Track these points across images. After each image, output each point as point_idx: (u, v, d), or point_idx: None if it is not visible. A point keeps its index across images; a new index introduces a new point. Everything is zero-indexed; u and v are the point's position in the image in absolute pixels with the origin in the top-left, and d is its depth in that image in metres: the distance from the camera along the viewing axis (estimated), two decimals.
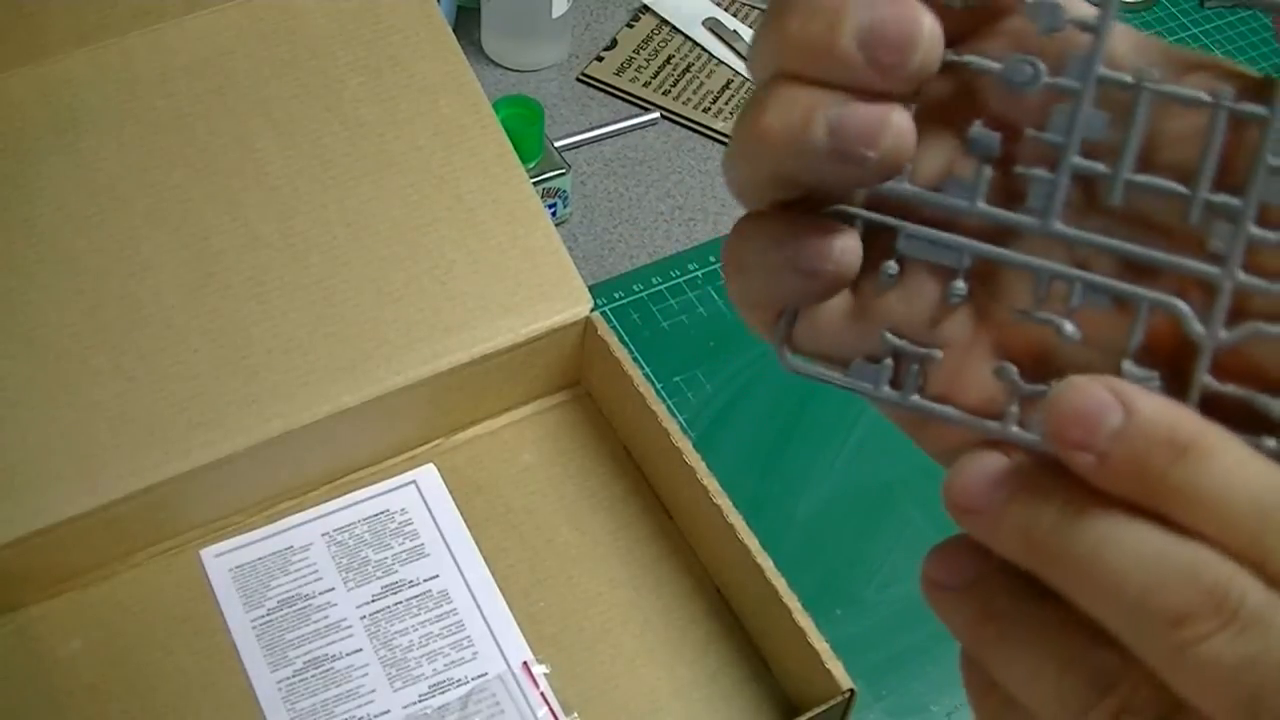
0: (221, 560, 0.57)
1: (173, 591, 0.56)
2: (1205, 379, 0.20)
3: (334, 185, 0.59)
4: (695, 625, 0.56)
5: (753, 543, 0.53)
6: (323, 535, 0.58)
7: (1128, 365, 0.20)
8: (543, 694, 0.54)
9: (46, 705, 0.52)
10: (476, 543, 0.58)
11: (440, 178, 0.60)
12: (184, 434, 0.54)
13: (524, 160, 0.63)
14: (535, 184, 0.68)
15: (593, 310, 0.60)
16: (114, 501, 0.53)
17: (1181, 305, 0.20)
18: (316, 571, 0.57)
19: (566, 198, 0.73)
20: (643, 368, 0.67)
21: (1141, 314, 0.20)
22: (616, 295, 0.71)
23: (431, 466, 0.60)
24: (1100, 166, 0.20)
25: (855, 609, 0.60)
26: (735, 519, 0.54)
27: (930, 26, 0.19)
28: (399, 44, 0.61)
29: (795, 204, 0.21)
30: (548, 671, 0.55)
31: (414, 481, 0.60)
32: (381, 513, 0.59)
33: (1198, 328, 0.20)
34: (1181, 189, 0.20)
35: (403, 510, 0.59)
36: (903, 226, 0.21)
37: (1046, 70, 0.20)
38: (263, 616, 0.56)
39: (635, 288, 0.71)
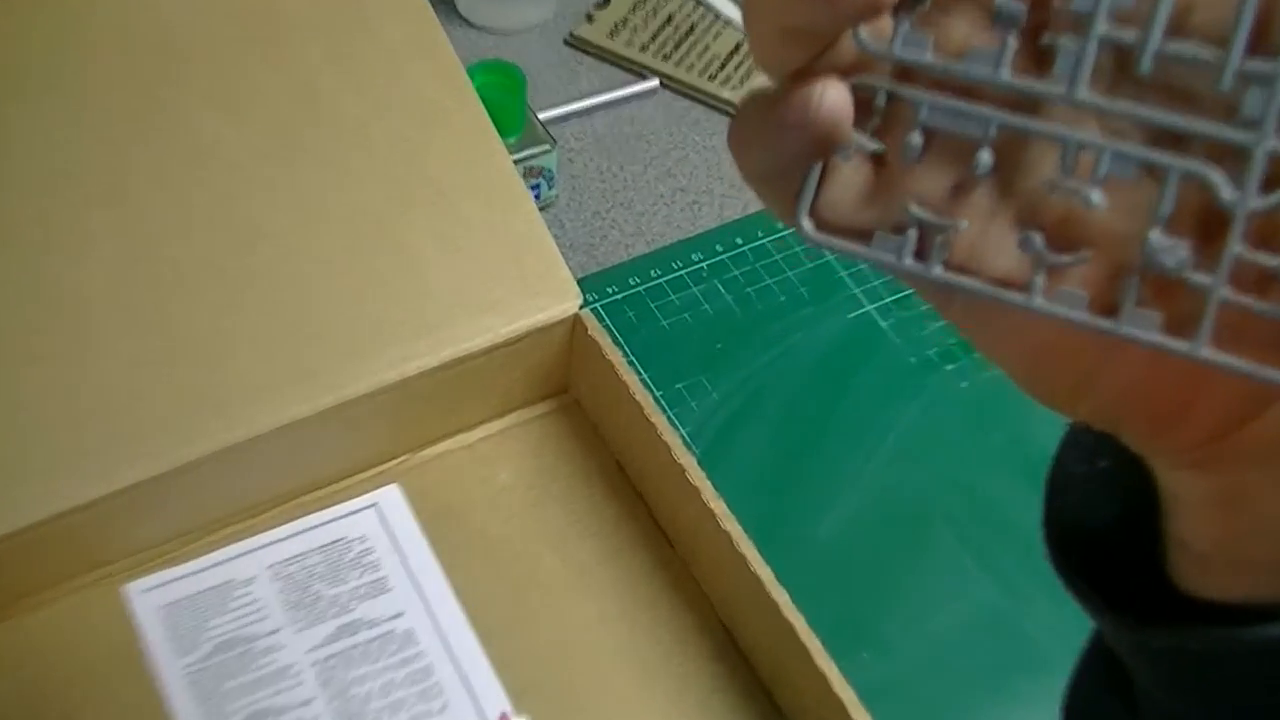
0: (150, 597, 0.57)
1: (93, 633, 0.56)
2: (1237, 248, 0.22)
3: (287, 163, 0.59)
4: (700, 670, 0.56)
5: (766, 574, 0.53)
6: (268, 567, 0.58)
7: (1155, 235, 0.22)
8: None
9: None
10: (447, 576, 0.58)
11: (408, 155, 0.60)
12: (106, 449, 0.54)
13: (503, 135, 0.63)
14: (516, 162, 0.68)
15: (582, 307, 0.60)
16: (26, 528, 0.53)
17: (1212, 172, 0.22)
18: (261, 610, 0.57)
19: (552, 178, 0.73)
20: (640, 373, 0.67)
21: (1171, 182, 0.22)
22: (610, 290, 0.71)
23: (395, 487, 0.60)
24: (1128, 35, 0.22)
25: (884, 651, 0.60)
26: (746, 547, 0.54)
27: None
28: (364, 2, 0.61)
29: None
30: None
31: (375, 504, 0.60)
32: (337, 541, 0.59)
33: (1228, 194, 0.22)
34: (1213, 55, 0.22)
35: (362, 538, 0.59)
36: (926, 98, 0.23)
37: None
38: (198, 662, 0.56)
39: (631, 281, 0.71)
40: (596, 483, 0.61)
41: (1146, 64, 0.22)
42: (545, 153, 0.72)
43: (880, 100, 0.24)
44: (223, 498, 0.58)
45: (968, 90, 0.23)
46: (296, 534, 0.59)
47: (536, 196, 0.73)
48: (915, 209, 0.24)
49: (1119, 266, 0.23)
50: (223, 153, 0.58)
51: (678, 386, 0.67)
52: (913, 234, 0.24)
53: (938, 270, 0.24)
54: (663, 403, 0.66)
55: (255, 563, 0.58)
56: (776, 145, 0.23)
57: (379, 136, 0.60)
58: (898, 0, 0.23)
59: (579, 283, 0.60)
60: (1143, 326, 0.23)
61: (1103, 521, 0.27)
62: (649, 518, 0.60)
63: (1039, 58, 0.23)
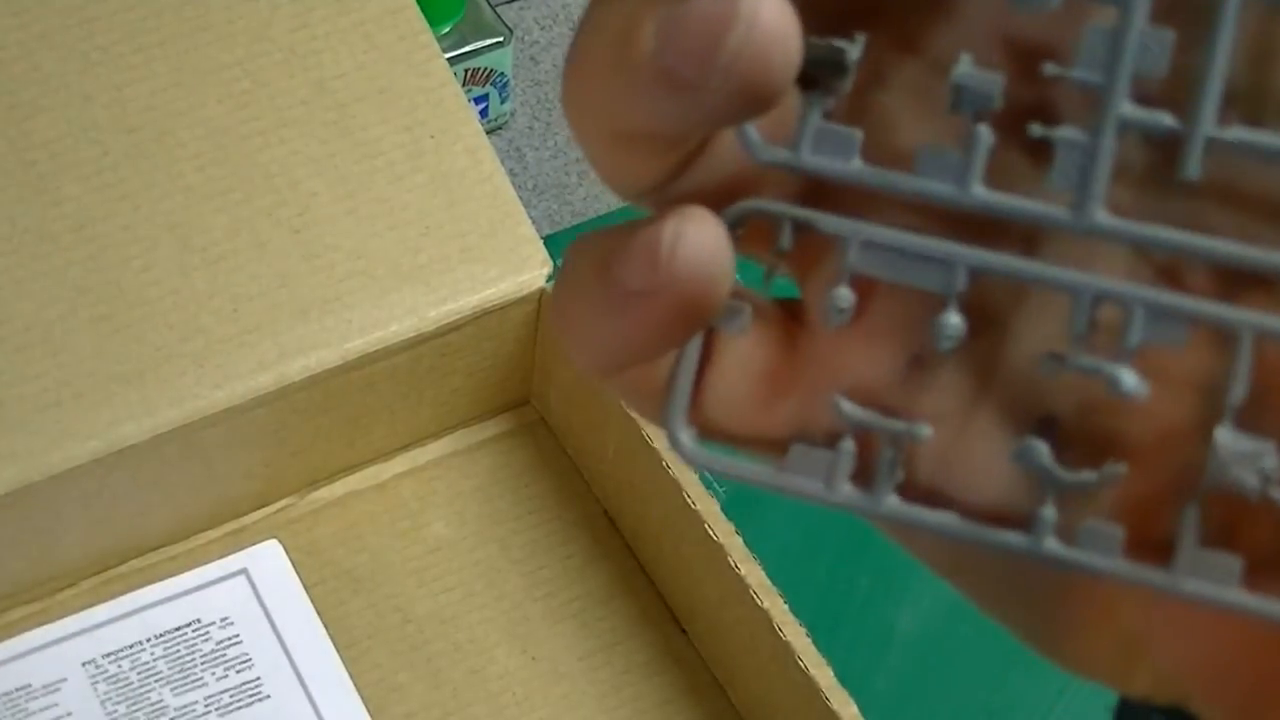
0: None
1: None
2: None
3: (104, 63, 0.58)
4: None
5: (824, 676, 0.52)
6: (84, 665, 0.56)
7: (1223, 434, 0.22)
8: None
9: None
10: (351, 676, 0.56)
11: (290, 51, 0.59)
12: None
13: (434, 21, 0.64)
14: (452, 61, 0.69)
15: (551, 278, 0.59)
16: None
17: None
18: None
19: (507, 85, 0.73)
20: None
21: (1244, 349, 0.22)
22: None
23: (275, 544, 0.59)
24: (1166, 118, 0.22)
25: None
26: (794, 634, 0.53)
27: None
28: None
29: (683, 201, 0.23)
30: None
31: (244, 571, 0.58)
32: (188, 625, 0.57)
33: None
34: None
35: (224, 620, 0.57)
36: (856, 230, 0.23)
37: None
38: None
39: None
40: (575, 539, 0.60)
41: (1194, 164, 0.21)
42: (496, 48, 0.72)
43: (785, 238, 0.23)
44: (15, 563, 0.56)
45: (922, 211, 0.23)
46: (126, 615, 0.57)
47: (484, 114, 0.73)
48: (849, 407, 0.23)
49: (1172, 478, 0.22)
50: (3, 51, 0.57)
51: None
52: (848, 446, 0.23)
53: (890, 501, 0.23)
54: None
55: (64, 658, 0.56)
56: (618, 324, 0.22)
57: (246, 23, 0.59)
58: (804, 72, 0.21)
59: (547, 242, 0.59)
60: (1211, 578, 0.22)
61: None
62: (650, 590, 0.59)
63: (1031, 151, 0.22)
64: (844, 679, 0.52)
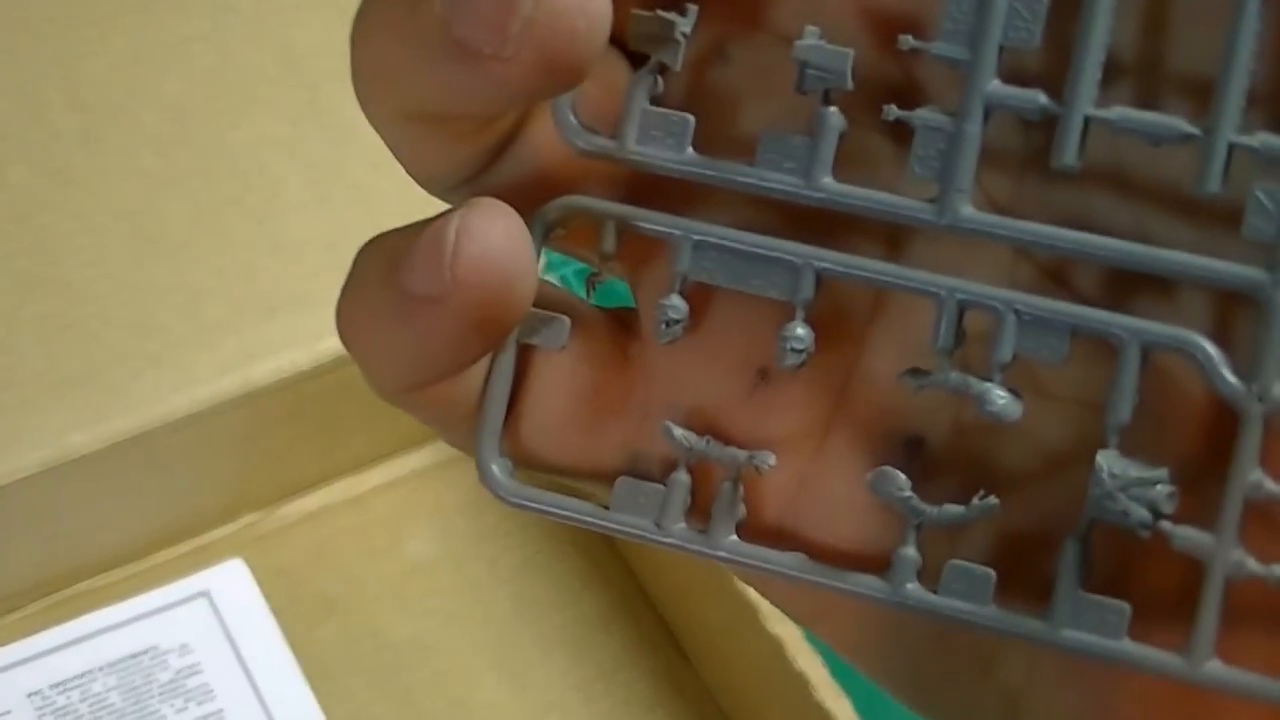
0: None
1: None
2: (1254, 475, 0.20)
3: (55, 39, 0.59)
4: None
5: (843, 709, 0.52)
6: (30, 696, 0.56)
7: (1108, 457, 0.21)
8: None
9: None
10: (322, 709, 0.56)
11: (258, 23, 0.60)
12: None
13: None
14: None
15: (547, 270, 0.58)
16: None
17: (1201, 342, 0.21)
18: None
19: None
20: None
21: (1129, 360, 0.21)
22: None
23: (240, 564, 0.59)
24: (1039, 97, 0.21)
25: None
26: (810, 664, 0.52)
27: None
28: None
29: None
30: None
31: (205, 593, 0.58)
32: (143, 652, 0.57)
33: (1231, 381, 0.21)
34: (1187, 127, 0.20)
35: (183, 647, 0.57)
36: (689, 229, 0.22)
37: None
38: None
39: None
40: (569, 557, 0.60)
41: (1071, 151, 0.21)
42: None
43: (607, 240, 0.22)
44: None
45: (769, 207, 0.22)
46: (76, 642, 0.57)
47: None
48: (682, 434, 0.22)
49: (1057, 511, 0.22)
50: None
51: None
52: (682, 478, 0.22)
53: (729, 542, 0.22)
54: None
55: (9, 688, 0.56)
56: (406, 335, 0.21)
57: None
58: (631, 50, 0.21)
59: None
60: (1093, 627, 0.21)
61: None
62: (649, 612, 0.59)
63: (898, 139, 0.22)
64: (861, 709, 0.52)
